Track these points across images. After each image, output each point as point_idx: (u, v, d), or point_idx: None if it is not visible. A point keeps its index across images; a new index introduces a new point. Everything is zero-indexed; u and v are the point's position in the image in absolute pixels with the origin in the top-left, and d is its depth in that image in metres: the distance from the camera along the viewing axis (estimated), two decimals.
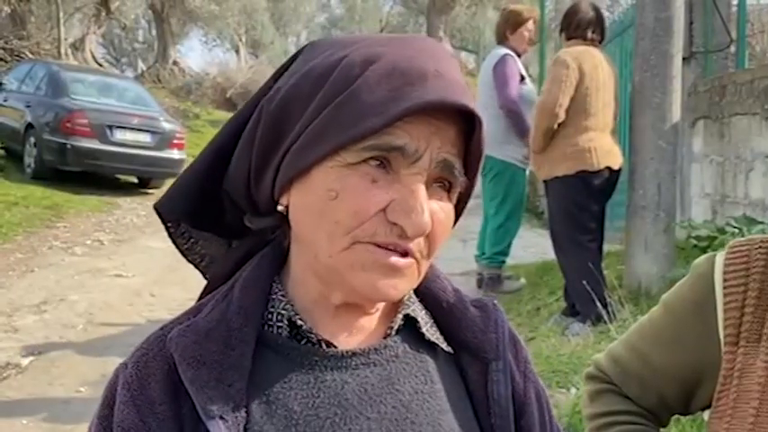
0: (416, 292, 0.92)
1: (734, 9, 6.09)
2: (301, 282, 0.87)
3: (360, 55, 0.81)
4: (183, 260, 0.98)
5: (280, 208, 0.85)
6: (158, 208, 0.92)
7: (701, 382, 1.21)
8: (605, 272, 4.76)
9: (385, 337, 0.89)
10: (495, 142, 5.59)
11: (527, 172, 5.98)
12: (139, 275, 7.33)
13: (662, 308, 1.27)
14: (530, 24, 5.84)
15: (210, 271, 0.97)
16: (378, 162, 0.79)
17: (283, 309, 0.86)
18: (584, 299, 4.49)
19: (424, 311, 0.93)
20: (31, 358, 5.08)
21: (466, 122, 0.82)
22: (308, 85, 0.81)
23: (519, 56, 5.84)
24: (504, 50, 5.79)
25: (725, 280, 1.16)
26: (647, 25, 4.82)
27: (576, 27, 4.78)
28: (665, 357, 1.24)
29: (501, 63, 5.68)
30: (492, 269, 5.89)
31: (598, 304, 4.34)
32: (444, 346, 0.92)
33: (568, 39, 4.83)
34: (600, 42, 4.87)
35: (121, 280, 7.27)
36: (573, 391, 3.44)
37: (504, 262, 5.99)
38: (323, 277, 0.84)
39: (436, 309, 0.93)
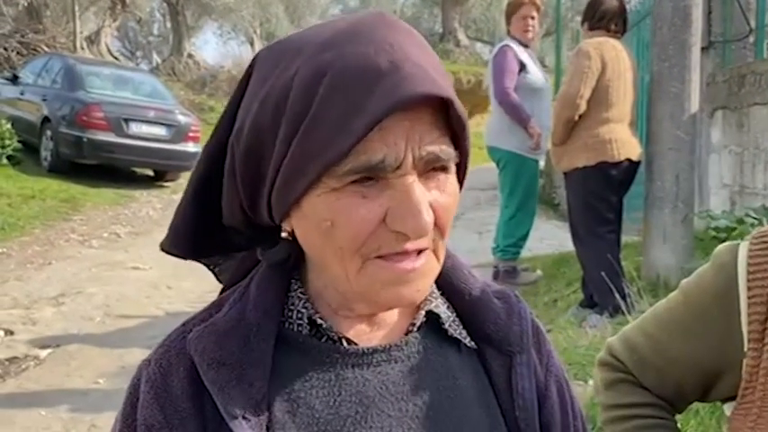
0: (438, 284, 0.90)
1: None
2: (320, 294, 0.86)
3: (309, 70, 0.75)
4: None
5: (284, 234, 0.83)
6: (164, 249, 0.92)
7: (722, 374, 1.18)
8: (623, 263, 4.73)
9: (407, 334, 0.88)
10: (501, 133, 5.56)
11: (539, 163, 5.93)
12: (156, 268, 7.36)
13: (681, 296, 1.23)
14: (524, 10, 5.71)
15: (225, 269, 0.96)
16: (362, 177, 0.76)
17: (303, 307, 0.85)
18: (603, 290, 4.47)
19: (446, 305, 0.91)
20: (50, 350, 5.12)
21: (440, 99, 0.77)
22: (269, 117, 0.77)
23: (526, 46, 5.77)
24: (504, 41, 5.74)
25: (749, 272, 1.12)
26: (665, 15, 4.77)
27: (600, 18, 4.74)
28: (683, 348, 1.20)
29: (498, 54, 5.66)
30: (506, 261, 5.86)
31: (616, 295, 4.32)
32: (467, 341, 0.90)
33: (591, 29, 4.79)
34: (622, 34, 4.83)
35: (138, 272, 7.30)
36: (590, 383, 3.42)
37: (518, 254, 5.95)
38: (345, 295, 0.83)
39: (458, 301, 0.91)
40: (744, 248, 1.14)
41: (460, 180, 0.84)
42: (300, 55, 0.77)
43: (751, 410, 1.11)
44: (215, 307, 0.87)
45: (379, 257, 0.78)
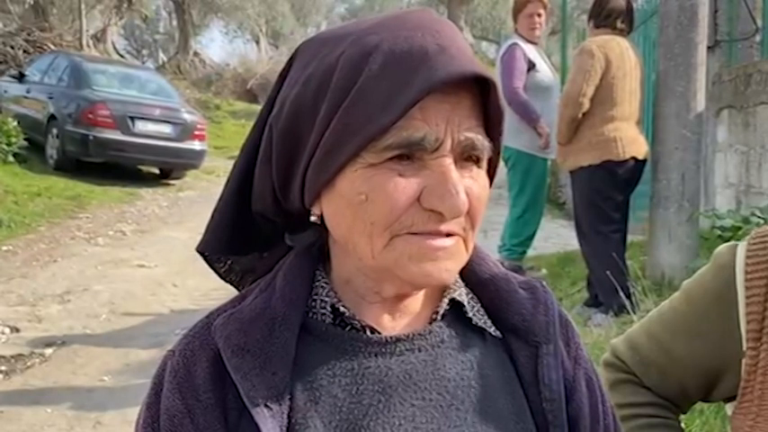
0: (462, 274, 0.90)
1: None
2: (346, 281, 0.86)
3: (356, 49, 0.78)
4: None
5: (313, 218, 0.84)
6: (201, 251, 0.93)
7: (723, 373, 1.18)
8: (628, 262, 4.73)
9: (430, 322, 0.88)
10: (510, 131, 5.53)
11: (548, 162, 5.92)
12: (162, 266, 7.37)
13: (683, 296, 1.24)
14: (531, 7, 5.68)
15: (247, 281, 0.96)
16: (400, 155, 0.77)
17: (326, 296, 0.86)
18: (607, 289, 4.46)
19: (470, 295, 0.91)
20: (55, 348, 5.12)
21: (479, 88, 0.80)
22: (311, 94, 0.79)
23: (534, 43, 5.75)
24: (512, 40, 5.72)
25: (746, 272, 1.12)
26: (672, 13, 4.77)
27: (607, 16, 4.72)
28: (685, 348, 1.21)
29: (507, 53, 5.62)
30: (511, 261, 5.85)
31: (621, 294, 4.31)
32: (492, 330, 0.90)
33: (597, 27, 4.78)
34: (628, 33, 4.81)
35: (144, 270, 7.31)
36: None
37: (524, 253, 5.93)
38: (371, 276, 0.83)
39: (483, 291, 0.91)
40: (742, 249, 1.15)
41: (490, 177, 0.85)
42: (345, 40, 0.80)
43: (750, 409, 1.11)
44: (238, 299, 0.88)
45: (410, 234, 0.78)
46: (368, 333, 0.85)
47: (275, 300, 0.84)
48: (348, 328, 0.85)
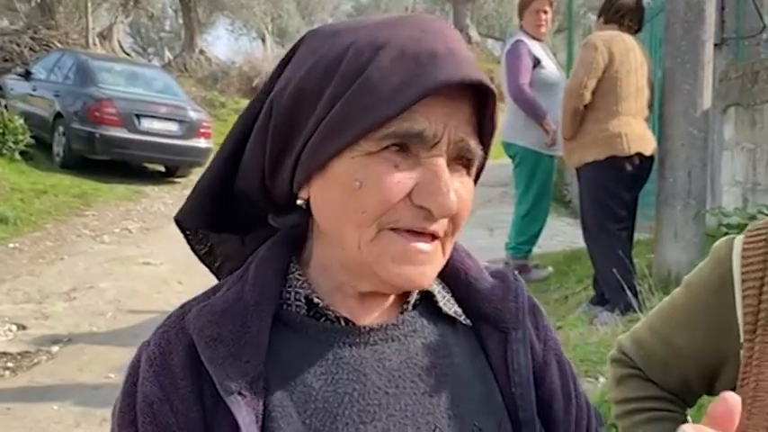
0: None
1: None
2: (323, 270, 0.87)
3: (367, 41, 0.80)
4: None
5: (299, 202, 0.85)
6: (179, 220, 0.93)
7: (723, 365, 1.20)
8: (635, 260, 4.71)
9: (402, 312, 0.89)
10: (517, 129, 5.53)
11: (554, 160, 5.90)
12: (167, 263, 7.39)
13: (683, 290, 1.26)
14: (537, 4, 5.68)
15: (225, 269, 0.97)
16: (397, 147, 0.79)
17: (300, 287, 0.87)
18: (614, 287, 4.45)
19: (441, 285, 0.93)
20: (61, 345, 5.14)
21: (478, 97, 0.83)
22: (317, 77, 0.81)
23: (539, 40, 5.74)
24: (516, 37, 5.71)
25: (743, 265, 1.14)
26: (678, 11, 4.75)
27: (616, 12, 4.73)
28: (686, 340, 1.23)
29: (512, 50, 5.61)
30: (517, 259, 5.84)
31: (628, 293, 4.30)
32: (462, 319, 0.91)
33: (606, 23, 4.78)
34: (636, 32, 4.80)
35: (149, 268, 7.33)
36: (601, 380, 3.41)
37: (530, 251, 5.93)
38: (351, 269, 0.84)
39: (454, 281, 0.93)
40: (739, 242, 1.17)
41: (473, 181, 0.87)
42: (355, 32, 0.82)
43: (746, 401, 1.12)
44: (213, 290, 0.89)
45: (394, 230, 0.80)
46: (342, 323, 0.86)
47: (247, 290, 0.85)
48: (322, 318, 0.86)
